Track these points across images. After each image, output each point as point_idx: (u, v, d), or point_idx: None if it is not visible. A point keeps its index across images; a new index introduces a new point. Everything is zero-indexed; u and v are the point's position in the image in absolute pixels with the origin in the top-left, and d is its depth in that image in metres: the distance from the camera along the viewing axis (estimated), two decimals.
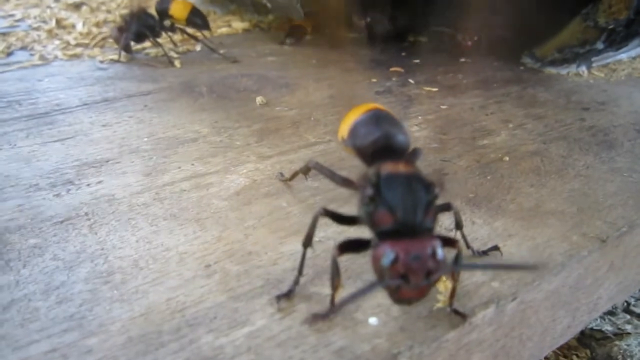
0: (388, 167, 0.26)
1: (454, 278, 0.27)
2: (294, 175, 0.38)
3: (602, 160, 0.46)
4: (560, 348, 0.43)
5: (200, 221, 0.35)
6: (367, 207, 0.25)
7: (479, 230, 0.35)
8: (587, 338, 0.44)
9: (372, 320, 0.27)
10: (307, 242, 0.29)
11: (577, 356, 0.43)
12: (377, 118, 0.31)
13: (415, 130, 0.50)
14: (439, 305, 0.28)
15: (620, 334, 0.44)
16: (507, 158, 0.45)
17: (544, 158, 0.45)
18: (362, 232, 0.26)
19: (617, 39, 0.60)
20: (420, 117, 0.53)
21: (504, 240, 0.34)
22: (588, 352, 0.43)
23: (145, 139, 0.47)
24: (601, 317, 0.45)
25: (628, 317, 0.46)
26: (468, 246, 0.32)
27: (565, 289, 0.34)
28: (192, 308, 0.28)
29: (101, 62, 0.70)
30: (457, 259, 0.27)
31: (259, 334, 0.26)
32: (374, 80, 0.64)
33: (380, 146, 0.30)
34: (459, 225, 0.31)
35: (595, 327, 0.44)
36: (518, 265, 0.28)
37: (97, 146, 0.45)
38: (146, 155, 0.44)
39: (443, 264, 0.23)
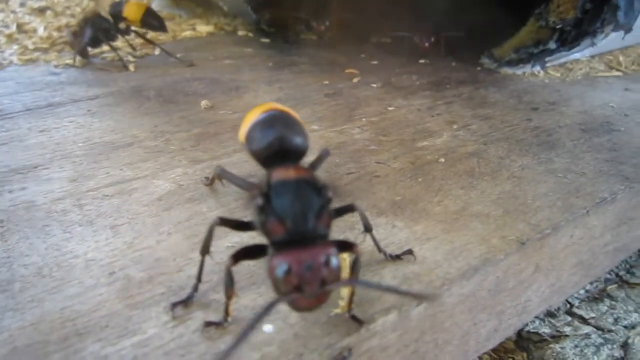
0: (278, 174, 0.26)
1: (353, 278, 0.27)
2: (212, 181, 0.38)
3: (540, 161, 0.45)
4: (496, 351, 0.43)
5: (115, 227, 0.35)
6: (259, 216, 0.25)
7: (398, 234, 0.35)
8: (524, 340, 0.44)
9: (267, 328, 0.27)
10: (204, 250, 0.28)
11: (514, 359, 0.43)
12: (272, 120, 0.31)
13: (356, 133, 0.49)
14: (337, 310, 0.27)
15: (558, 336, 0.44)
16: (442, 160, 0.45)
17: (481, 159, 0.45)
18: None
19: (568, 39, 0.60)
20: (364, 119, 0.53)
21: (421, 244, 0.34)
22: (525, 354, 0.43)
23: (80, 144, 0.46)
24: (540, 319, 0.45)
25: (569, 319, 0.46)
26: (380, 250, 0.32)
27: (483, 293, 0.33)
28: (85, 317, 0.27)
29: (56, 66, 0.69)
30: (355, 265, 0.26)
31: (148, 342, 0.26)
32: (326, 82, 0.63)
33: (275, 150, 0.29)
34: (367, 228, 0.30)
35: (532, 330, 0.44)
36: (412, 294, 0.27)
37: (30, 152, 0.45)
38: (77, 161, 0.43)
39: (337, 272, 0.23)
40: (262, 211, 0.24)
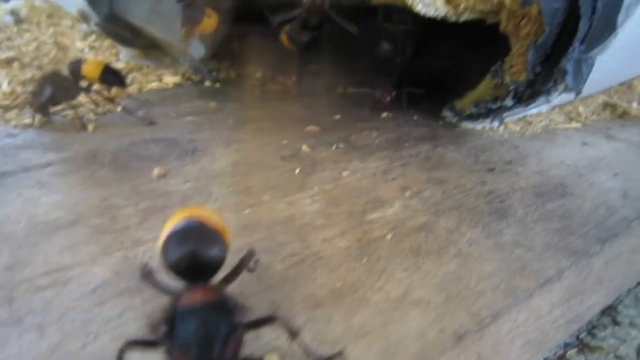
0: (185, 298, 0.25)
1: None
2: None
3: (489, 233, 0.45)
4: None
5: (42, 328, 0.33)
6: (165, 344, 0.24)
7: (334, 329, 0.34)
8: None
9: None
10: None
11: None
12: (187, 233, 0.30)
13: (307, 204, 0.49)
14: None
15: None
16: (390, 236, 0.44)
17: (429, 234, 0.45)
18: None
19: (523, 97, 0.61)
20: (316, 188, 0.52)
21: (356, 341, 0.33)
22: None
23: (23, 224, 0.45)
24: None
25: None
26: (308, 354, 0.31)
27: None
28: None
29: (14, 127, 0.68)
30: None
31: None
32: (285, 142, 0.63)
33: (187, 267, 0.29)
34: (292, 335, 0.30)
35: None
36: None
37: None
38: (16, 244, 0.42)
39: None
40: (167, 339, 0.24)
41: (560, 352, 0.51)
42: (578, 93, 0.56)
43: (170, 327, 0.24)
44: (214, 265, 0.29)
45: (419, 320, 0.35)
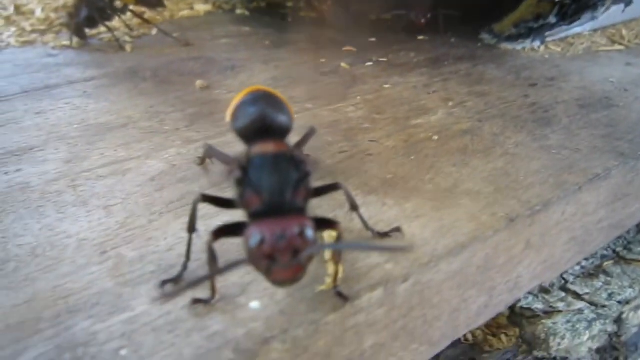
0: (257, 148, 0.26)
1: (336, 260, 0.27)
2: (203, 160, 0.38)
3: (535, 137, 0.45)
4: (489, 326, 0.43)
5: (108, 208, 0.35)
6: (237, 189, 0.25)
7: (388, 212, 0.35)
8: (517, 316, 0.44)
9: (254, 305, 0.27)
10: (190, 229, 0.28)
11: (506, 335, 0.43)
12: (256, 99, 0.31)
13: (351, 111, 0.49)
14: (323, 287, 0.28)
15: (551, 312, 0.44)
16: (436, 137, 0.44)
17: (475, 137, 0.45)
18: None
19: (568, 13, 0.59)
20: (359, 97, 0.52)
21: (410, 222, 0.34)
22: (517, 330, 0.43)
23: (76, 126, 0.47)
24: (534, 295, 0.45)
25: (563, 294, 0.46)
26: (367, 227, 0.32)
27: (472, 269, 0.33)
28: (77, 295, 0.28)
29: (53, 48, 0.69)
30: (337, 241, 0.27)
31: (137, 319, 0.26)
32: (323, 60, 0.63)
33: (257, 127, 0.29)
34: (352, 206, 0.31)
35: (525, 306, 0.44)
36: (387, 247, 0.28)
37: (26, 134, 0.45)
38: (72, 142, 0.44)
39: (311, 242, 0.23)
40: (240, 184, 0.25)
41: (597, 262, 0.52)
42: (629, 3, 0.54)
43: (243, 172, 0.25)
44: (283, 129, 0.30)
45: (470, 206, 0.35)
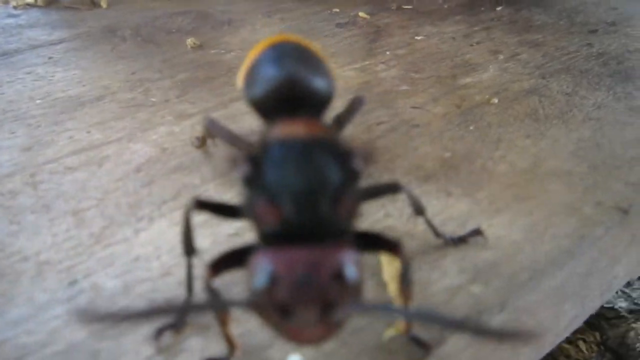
0: (280, 130, 0.17)
1: (406, 294, 0.18)
2: (203, 141, 0.28)
3: (617, 96, 0.36)
4: None
5: (79, 213, 0.26)
6: (245, 193, 0.16)
7: (456, 205, 0.26)
8: (595, 317, 0.36)
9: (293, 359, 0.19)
10: (187, 249, 0.19)
11: (584, 341, 0.35)
12: (281, 55, 0.22)
13: (381, 70, 0.40)
14: (392, 332, 0.19)
15: (637, 311, 0.36)
16: (495, 100, 0.35)
17: (543, 98, 0.36)
18: None
19: None
20: (388, 53, 0.43)
21: (489, 218, 0.25)
22: (597, 335, 0.35)
23: (38, 101, 0.37)
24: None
25: None
26: (437, 234, 0.23)
27: (574, 279, 0.25)
28: (34, 356, 0.19)
29: (15, 8, 0.58)
30: (405, 276, 0.18)
31: None
32: (336, 10, 0.53)
33: (283, 99, 0.20)
34: (418, 211, 0.22)
35: (606, 305, 0.36)
36: (488, 331, 0.14)
37: None
38: (33, 123, 0.34)
39: (353, 291, 0.14)
40: (249, 185, 0.16)
41: None
42: None
43: (254, 167, 0.15)
44: (320, 101, 0.21)
45: (564, 193, 0.27)
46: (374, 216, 0.25)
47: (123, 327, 0.19)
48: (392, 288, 0.21)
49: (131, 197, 0.27)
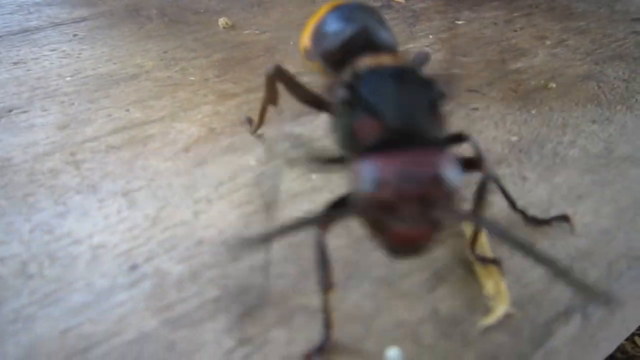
0: (367, 61, 0.19)
1: (479, 206, 0.18)
2: (261, 117, 0.26)
3: None
4: None
5: (129, 194, 0.24)
6: (342, 118, 0.16)
7: (534, 190, 0.24)
8: None
9: (392, 354, 0.17)
10: (325, 284, 0.16)
11: None
12: (350, 11, 0.22)
13: None
14: (490, 320, 0.18)
15: None
16: (553, 85, 0.34)
17: (602, 83, 0.34)
18: None
19: None
20: (431, 36, 0.41)
21: (572, 205, 0.23)
22: None
23: (68, 79, 0.35)
24: None
25: None
26: (515, 208, 0.22)
27: None
28: (102, 346, 0.17)
29: None
30: (481, 188, 0.18)
31: None
32: None
33: (357, 46, 0.20)
34: (489, 177, 0.19)
35: None
36: (583, 285, 0.13)
37: (1, 90, 0.33)
38: (66, 101, 0.32)
39: (456, 190, 0.14)
40: (347, 108, 0.16)
41: None
42: None
43: (351, 91, 0.16)
44: (388, 49, 0.21)
45: None
46: None
47: (201, 313, 0.18)
48: (491, 285, 0.19)
49: (183, 178, 0.25)
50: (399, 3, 0.48)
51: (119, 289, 0.19)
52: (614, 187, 0.24)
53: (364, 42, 0.20)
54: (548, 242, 0.21)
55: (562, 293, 0.19)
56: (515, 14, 0.46)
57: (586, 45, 0.40)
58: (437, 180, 0.14)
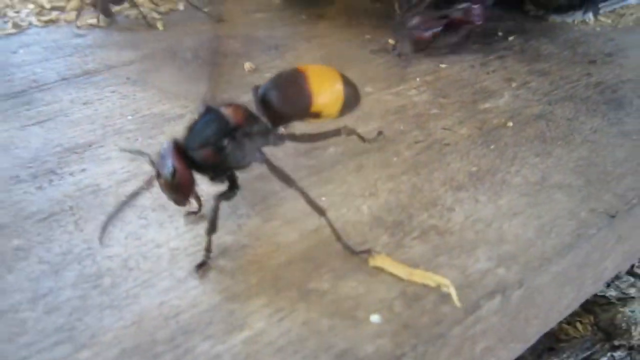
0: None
1: None
2: None
3: (610, 122, 0.43)
4: None
5: (190, 213, 0.33)
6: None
7: (483, 210, 0.33)
8: (590, 304, 0.44)
9: (375, 318, 0.26)
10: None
11: (581, 322, 0.43)
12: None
13: (414, 95, 0.47)
14: (456, 301, 0.27)
15: (624, 299, 0.43)
16: (510, 123, 0.43)
17: (550, 122, 0.43)
18: None
19: None
20: (418, 79, 0.50)
21: (509, 220, 0.33)
22: (592, 317, 0.43)
23: (130, 117, 0.44)
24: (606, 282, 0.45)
25: (632, 279, 0.46)
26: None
27: (573, 268, 0.32)
28: (186, 312, 0.26)
29: (79, 27, 0.65)
30: None
31: (257, 339, 0.25)
32: (368, 36, 0.60)
33: None
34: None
35: (599, 293, 0.44)
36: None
37: (79, 128, 0.43)
38: (131, 137, 0.42)
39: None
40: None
41: None
42: None
43: None
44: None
45: (566, 201, 0.34)
46: (419, 218, 0.33)
47: (248, 289, 0.27)
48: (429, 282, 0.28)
49: (231, 202, 0.34)
50: (394, 46, 0.58)
51: (192, 278, 0.28)
52: (541, 207, 0.34)
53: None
54: (488, 247, 0.30)
55: (489, 283, 0.28)
56: (491, 57, 0.56)
57: (545, 87, 0.49)
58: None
